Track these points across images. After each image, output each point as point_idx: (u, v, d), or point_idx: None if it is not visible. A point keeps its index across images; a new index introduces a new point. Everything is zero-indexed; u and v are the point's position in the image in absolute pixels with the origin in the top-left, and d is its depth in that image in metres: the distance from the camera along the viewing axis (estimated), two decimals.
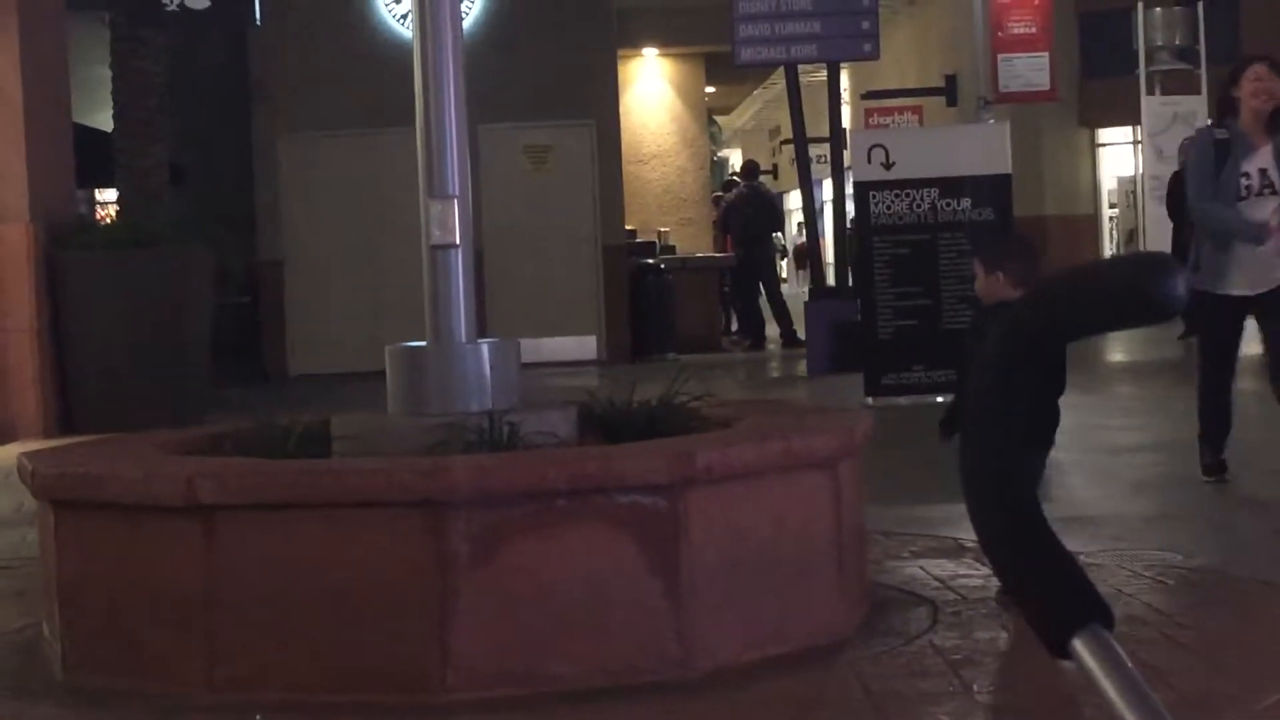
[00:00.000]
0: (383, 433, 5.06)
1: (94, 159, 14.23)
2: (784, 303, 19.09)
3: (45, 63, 12.21)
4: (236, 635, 4.35)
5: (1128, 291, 1.16)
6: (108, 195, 18.39)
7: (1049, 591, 1.21)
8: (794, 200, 35.18)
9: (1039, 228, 17.09)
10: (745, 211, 19.35)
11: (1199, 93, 18.84)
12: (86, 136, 14.49)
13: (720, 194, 23.51)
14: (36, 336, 11.67)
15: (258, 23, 14.26)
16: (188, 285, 12.11)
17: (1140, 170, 22.00)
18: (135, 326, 11.70)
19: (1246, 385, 8.94)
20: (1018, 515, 1.23)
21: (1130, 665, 1.18)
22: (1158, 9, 19.57)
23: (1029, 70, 17.31)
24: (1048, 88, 17.53)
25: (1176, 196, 14.29)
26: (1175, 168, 15.42)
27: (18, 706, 4.48)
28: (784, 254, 23.30)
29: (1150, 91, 19.39)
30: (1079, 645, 1.20)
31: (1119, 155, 25.38)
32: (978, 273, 5.86)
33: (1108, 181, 25.33)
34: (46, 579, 4.91)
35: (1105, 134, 24.85)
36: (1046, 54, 17.47)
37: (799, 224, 30.54)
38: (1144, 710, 1.16)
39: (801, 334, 17.77)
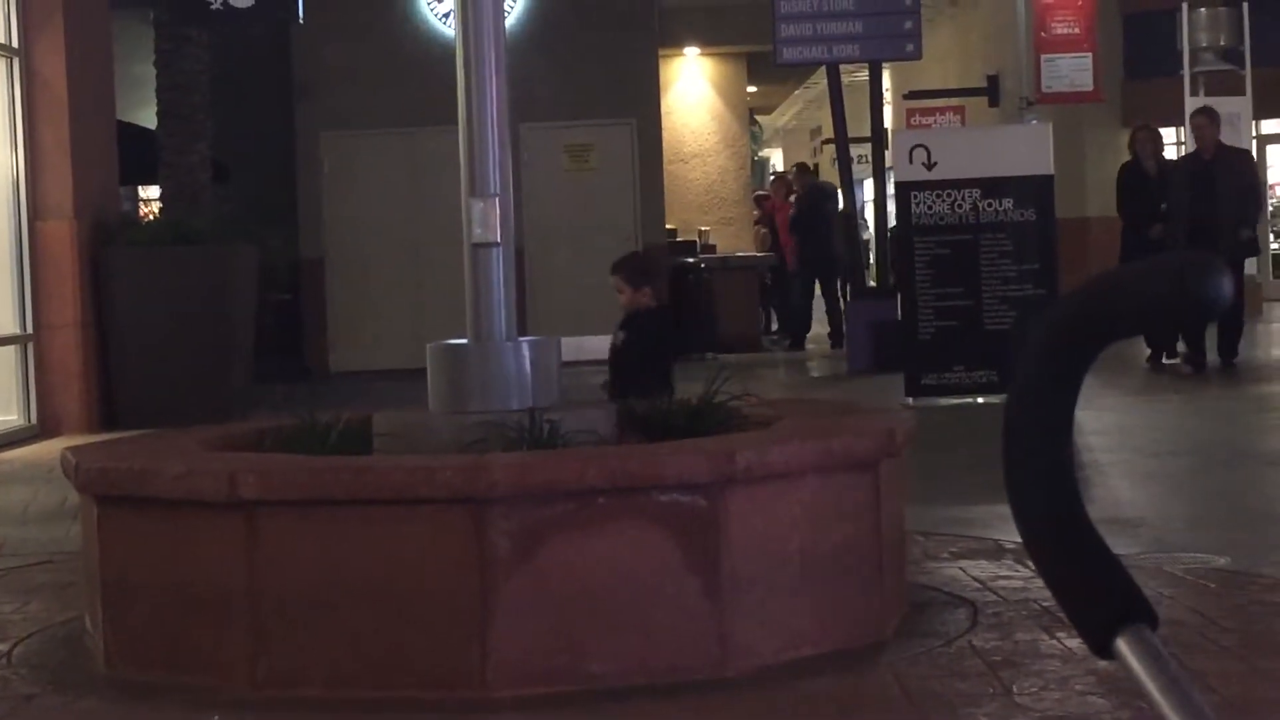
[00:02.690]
0: (424, 430, 5.08)
1: (138, 156, 14.31)
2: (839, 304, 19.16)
3: (90, 60, 12.29)
4: (278, 630, 4.37)
5: (1173, 291, 1.16)
6: (151, 192, 18.48)
7: (1092, 590, 1.21)
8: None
9: (1081, 229, 17.01)
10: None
11: (1244, 94, 18.72)
12: (131, 134, 14.58)
13: (762, 193, 23.47)
14: (80, 332, 11.74)
15: (300, 20, 14.32)
16: (230, 282, 12.17)
17: None
18: (178, 323, 11.76)
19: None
20: (1061, 513, 1.23)
21: (1175, 665, 1.18)
22: (1203, 9, 19.44)
23: (1072, 71, 17.25)
24: (1091, 88, 17.47)
25: (1140, 192, 13.40)
26: None
27: (61, 700, 4.51)
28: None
29: (1194, 93, 19.25)
30: (1122, 645, 1.19)
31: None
32: (623, 289, 7.11)
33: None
34: (90, 573, 4.94)
35: None
36: (1090, 54, 17.41)
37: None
38: (1189, 711, 1.16)
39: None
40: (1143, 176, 13.52)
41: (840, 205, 19.37)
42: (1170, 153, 24.57)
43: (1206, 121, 13.29)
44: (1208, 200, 12.64)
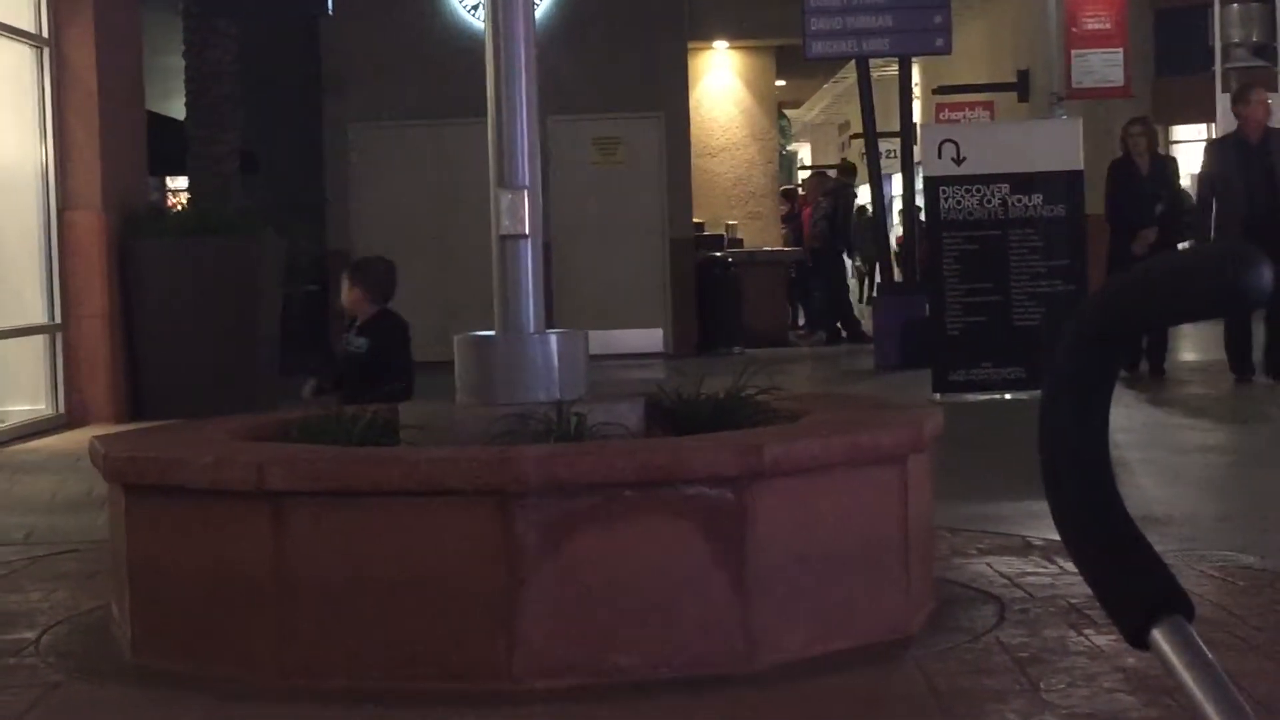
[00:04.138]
0: (451, 422, 5.08)
1: (166, 147, 14.35)
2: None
3: (120, 51, 12.32)
4: (305, 621, 4.37)
5: (1214, 281, 1.14)
6: (179, 183, 18.53)
7: (1128, 581, 1.20)
8: (863, 195, 35.06)
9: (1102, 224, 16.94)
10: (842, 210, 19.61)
11: (1276, 90, 18.63)
12: (159, 124, 14.61)
13: (791, 186, 23.45)
14: (108, 323, 11.78)
15: (329, 12, 14.33)
16: (258, 273, 12.19)
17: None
18: (206, 313, 11.79)
19: None
20: (1097, 504, 1.22)
21: (1211, 658, 1.17)
22: (1235, 5, 19.35)
23: (1103, 66, 17.18)
24: (1121, 84, 17.40)
25: (1131, 192, 12.46)
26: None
27: (88, 688, 4.52)
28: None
29: (1226, 89, 19.16)
30: (1158, 636, 1.18)
31: (1193, 153, 25.12)
32: (356, 294, 7.15)
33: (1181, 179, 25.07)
34: (117, 562, 4.95)
35: (1179, 131, 24.60)
36: (1121, 50, 17.34)
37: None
38: (1225, 704, 1.14)
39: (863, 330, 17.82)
40: (1134, 175, 12.60)
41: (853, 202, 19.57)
42: (1202, 151, 24.44)
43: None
44: (1267, 189, 11.54)
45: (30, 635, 5.08)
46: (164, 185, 19.50)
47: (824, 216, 19.94)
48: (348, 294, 7.29)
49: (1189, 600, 1.20)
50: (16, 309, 11.75)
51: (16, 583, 6.00)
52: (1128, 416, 9.95)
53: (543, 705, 4.17)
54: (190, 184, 14.63)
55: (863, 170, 20.39)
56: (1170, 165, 12.76)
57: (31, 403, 11.71)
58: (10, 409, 11.53)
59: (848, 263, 21.76)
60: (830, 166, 29.11)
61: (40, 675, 4.60)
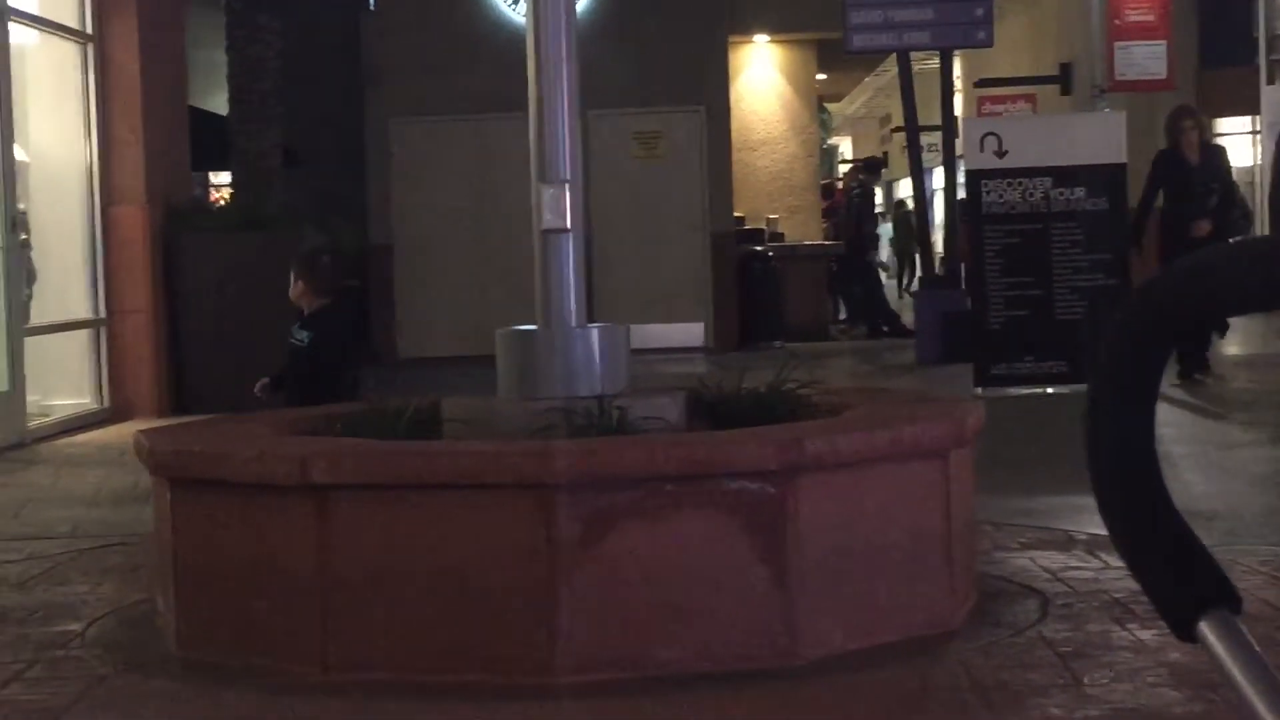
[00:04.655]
0: (493, 416, 5.09)
1: (209, 142, 14.41)
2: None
3: (164, 47, 12.38)
4: (348, 615, 4.39)
5: (1270, 271, 1.14)
6: (222, 178, 18.61)
7: (1176, 574, 1.19)
8: (904, 189, 34.94)
9: (1153, 219, 16.87)
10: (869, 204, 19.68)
11: None
12: (202, 120, 14.68)
13: (830, 180, 23.42)
14: (152, 317, 11.84)
15: (371, 7, 14.37)
16: None
17: (1258, 161, 21.64)
18: (248, 308, 11.83)
19: None
20: (1144, 496, 1.22)
21: (1259, 651, 1.16)
22: None
23: (1146, 58, 17.09)
24: (1164, 76, 17.31)
25: (1181, 185, 11.81)
26: None
27: (133, 680, 4.55)
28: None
29: (1270, 81, 19.07)
30: (1206, 629, 1.18)
31: (1237, 146, 24.97)
32: (303, 287, 6.98)
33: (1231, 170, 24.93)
34: (162, 555, 4.98)
35: (1223, 124, 24.45)
36: (1164, 42, 17.25)
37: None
38: (1272, 697, 1.14)
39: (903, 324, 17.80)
40: (1184, 167, 11.89)
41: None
42: (1247, 144, 24.34)
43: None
44: None
45: (76, 628, 5.12)
46: (207, 180, 19.59)
47: (846, 213, 20.07)
48: (292, 287, 7.22)
49: (1237, 594, 1.19)
50: (62, 304, 11.82)
51: (63, 576, 6.05)
52: (1173, 411, 9.91)
53: (584, 699, 4.18)
54: (233, 179, 14.70)
55: (900, 164, 20.34)
56: (1222, 155, 12.38)
57: (77, 397, 11.79)
58: (56, 403, 11.60)
59: (880, 258, 21.81)
60: (869, 161, 29.06)
61: (86, 667, 4.64)
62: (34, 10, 11.44)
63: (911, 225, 22.71)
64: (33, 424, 10.80)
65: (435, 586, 4.33)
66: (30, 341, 10.87)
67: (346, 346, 7.26)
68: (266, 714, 4.15)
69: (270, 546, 4.51)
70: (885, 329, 18.88)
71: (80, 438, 10.84)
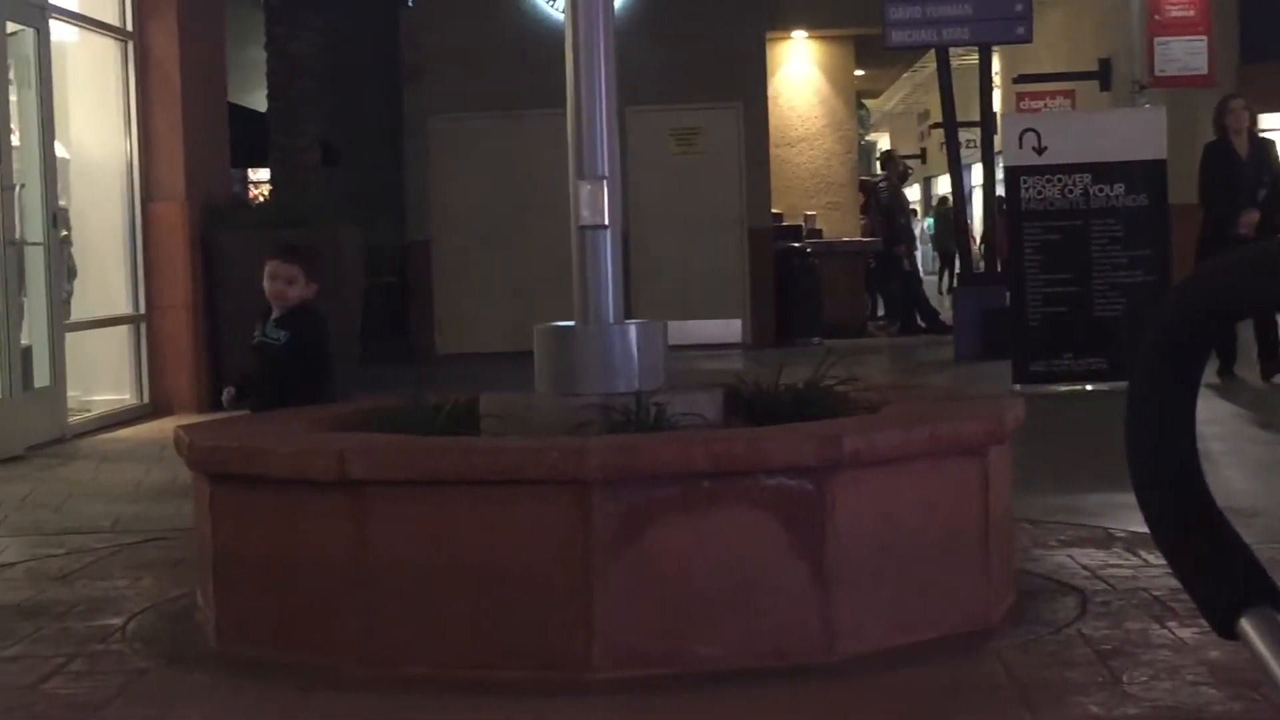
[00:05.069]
0: (531, 412, 5.09)
1: (248, 139, 14.46)
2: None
3: (203, 44, 12.43)
4: (386, 610, 4.40)
5: None
6: (261, 175, 18.67)
7: (1216, 570, 1.19)
8: (943, 185, 34.84)
9: (1194, 216, 16.80)
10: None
11: None
12: (242, 117, 14.73)
13: (867, 178, 23.38)
14: (191, 313, 11.90)
15: (409, 4, 14.40)
16: (338, 264, 12.26)
17: None
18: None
19: None
20: (1184, 493, 1.21)
21: None
22: None
23: (1186, 54, 17.00)
24: (1205, 72, 17.21)
25: (1229, 177, 11.56)
26: None
27: (172, 674, 4.57)
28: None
29: None
30: (1247, 625, 1.17)
31: (1277, 141, 24.81)
32: (296, 279, 6.52)
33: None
34: (201, 550, 5.00)
35: (1264, 120, 24.29)
36: (1205, 37, 17.15)
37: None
38: None
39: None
40: (1233, 158, 11.72)
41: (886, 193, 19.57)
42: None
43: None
44: None
45: (117, 622, 5.15)
46: (246, 177, 19.66)
47: (877, 208, 20.05)
48: (288, 284, 6.65)
49: (1277, 589, 1.19)
50: (102, 300, 11.89)
51: (103, 570, 6.08)
52: (1213, 408, 9.86)
53: (621, 695, 4.18)
54: (271, 176, 14.74)
55: (938, 160, 20.27)
56: (1270, 148, 12.26)
57: (116, 392, 11.85)
58: (96, 398, 11.67)
59: (920, 255, 21.76)
60: (908, 157, 28.99)
61: (126, 661, 4.66)
62: (74, 8, 11.50)
63: (951, 221, 22.66)
64: (73, 419, 10.86)
65: (472, 582, 4.34)
66: (71, 337, 10.93)
67: (329, 344, 6.78)
68: (304, 708, 4.16)
69: (308, 541, 4.53)
70: (923, 325, 18.85)
71: (120, 433, 10.90)
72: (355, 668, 4.39)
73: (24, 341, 10.41)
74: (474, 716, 4.08)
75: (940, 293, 24.98)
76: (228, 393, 6.77)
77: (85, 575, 6.00)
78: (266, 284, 6.54)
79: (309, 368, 6.47)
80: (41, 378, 10.54)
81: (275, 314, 6.55)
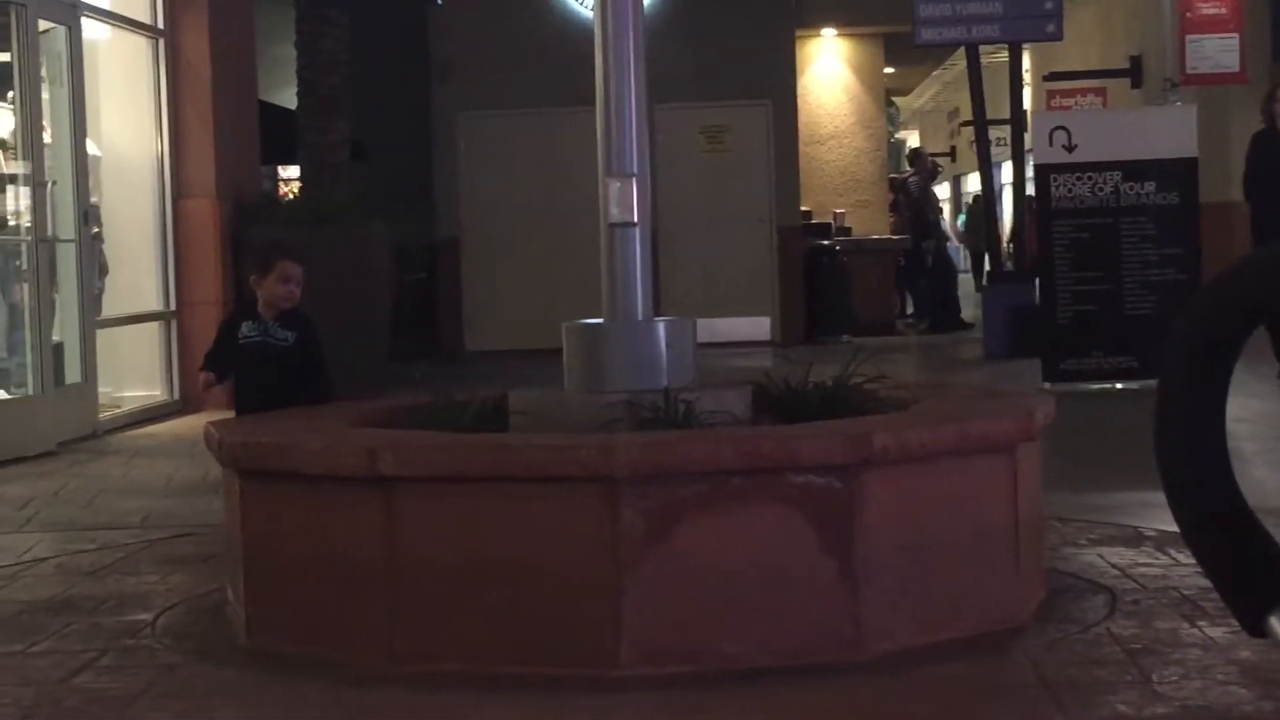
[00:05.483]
0: (559, 409, 5.10)
1: (278, 136, 14.49)
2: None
3: (234, 41, 12.47)
4: (415, 606, 4.41)
5: None
6: (291, 172, 18.72)
7: (1245, 569, 1.19)
8: (973, 183, 34.74)
9: (1225, 214, 16.71)
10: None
11: None
12: (272, 114, 14.77)
13: (896, 175, 23.34)
14: (222, 310, 11.93)
15: (439, 1, 14.41)
16: (367, 261, 12.29)
17: None
18: (316, 301, 11.85)
19: None
20: (1213, 492, 1.21)
21: None
22: None
23: (1218, 52, 16.92)
24: (1237, 69, 17.13)
25: (1270, 164, 11.39)
26: None
27: (203, 669, 4.59)
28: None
29: None
30: (1276, 624, 1.17)
31: None
32: (301, 281, 6.37)
33: None
34: (232, 545, 5.02)
35: None
36: (1237, 35, 17.07)
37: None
38: None
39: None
40: (1277, 146, 11.55)
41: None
42: None
43: None
44: None
45: (147, 617, 5.17)
46: (276, 174, 19.71)
47: (905, 205, 20.04)
48: (289, 284, 6.47)
49: None
50: (133, 296, 11.94)
51: (134, 566, 6.11)
52: (1244, 406, 9.82)
53: (648, 692, 4.18)
54: (301, 173, 14.78)
55: (968, 158, 20.23)
56: None
57: (147, 388, 11.89)
58: (126, 394, 11.72)
59: (952, 254, 21.73)
60: (938, 154, 28.94)
61: (157, 657, 4.68)
62: (106, 6, 11.55)
63: (981, 219, 22.61)
64: (104, 415, 10.91)
65: (501, 579, 4.34)
66: (102, 334, 10.98)
67: (323, 345, 6.64)
68: (334, 704, 4.18)
69: (338, 537, 4.54)
70: (944, 321, 18.83)
71: (151, 429, 10.94)
72: (385, 663, 4.40)
73: (55, 338, 10.47)
74: (502, 712, 4.09)
75: (977, 290, 24.96)
76: (207, 378, 6.48)
77: (116, 570, 6.03)
78: (278, 285, 6.39)
79: (317, 368, 6.40)
80: (73, 374, 10.59)
81: (273, 314, 6.41)
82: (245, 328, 6.38)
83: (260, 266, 6.45)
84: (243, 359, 6.38)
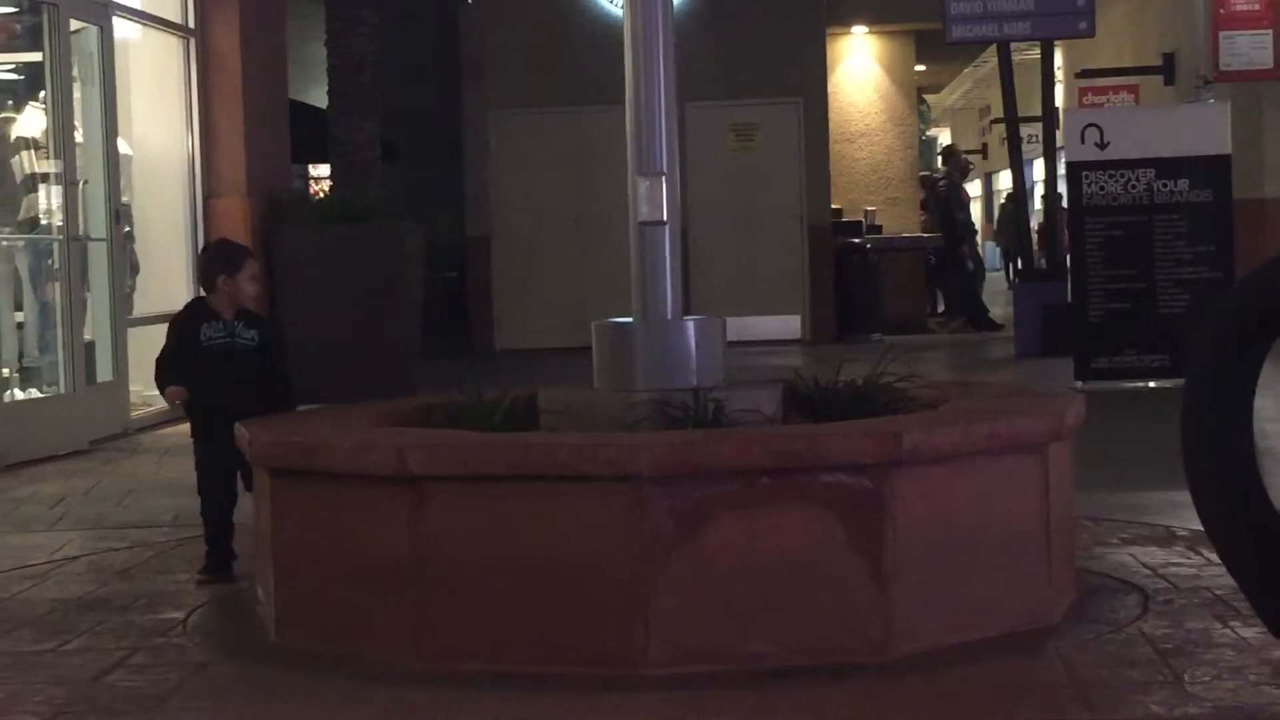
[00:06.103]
0: (589, 408, 5.09)
1: (309, 135, 14.53)
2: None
3: (264, 40, 12.50)
4: (443, 605, 4.41)
5: None
6: (321, 170, 18.76)
7: (1271, 570, 1.18)
8: (1004, 180, 34.66)
9: (1258, 211, 16.62)
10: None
11: None
12: (302, 113, 14.81)
13: (927, 173, 23.29)
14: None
15: (469, 0, 14.42)
16: (398, 259, 12.31)
17: None
18: (347, 299, 11.92)
19: None
20: (1239, 493, 1.20)
21: None
22: None
23: (1251, 48, 16.84)
24: (1270, 66, 17.04)
25: None
26: None
27: (233, 667, 4.60)
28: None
29: None
30: None
31: None
32: (261, 280, 6.13)
33: None
34: (261, 544, 5.03)
35: None
36: (1270, 31, 16.98)
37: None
38: None
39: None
40: None
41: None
42: None
43: None
44: None
45: (178, 615, 5.19)
46: (306, 173, 19.76)
47: (936, 204, 20.02)
48: (251, 284, 6.23)
49: None
50: (163, 295, 11.96)
51: (164, 564, 6.13)
52: (1275, 406, 9.76)
53: (677, 691, 4.18)
54: (331, 172, 14.80)
55: (1000, 156, 20.18)
56: None
57: None
58: (158, 393, 11.73)
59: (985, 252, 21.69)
60: (969, 152, 28.87)
61: (187, 655, 4.70)
62: (137, 5, 11.58)
63: (1012, 217, 22.56)
64: (135, 414, 10.94)
65: (529, 577, 4.34)
66: (133, 332, 11.01)
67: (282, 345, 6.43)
68: (363, 702, 4.18)
69: (367, 536, 4.54)
70: (974, 323, 18.78)
71: (182, 427, 10.93)
72: (413, 662, 4.41)
73: (87, 336, 10.50)
74: (530, 712, 4.08)
75: (1010, 288, 24.92)
76: (179, 394, 6.18)
77: (147, 569, 6.05)
78: (249, 284, 6.14)
79: (280, 368, 6.25)
80: (104, 372, 10.63)
81: (233, 314, 6.13)
82: (208, 329, 6.11)
83: (228, 265, 6.23)
84: (207, 361, 6.13)
